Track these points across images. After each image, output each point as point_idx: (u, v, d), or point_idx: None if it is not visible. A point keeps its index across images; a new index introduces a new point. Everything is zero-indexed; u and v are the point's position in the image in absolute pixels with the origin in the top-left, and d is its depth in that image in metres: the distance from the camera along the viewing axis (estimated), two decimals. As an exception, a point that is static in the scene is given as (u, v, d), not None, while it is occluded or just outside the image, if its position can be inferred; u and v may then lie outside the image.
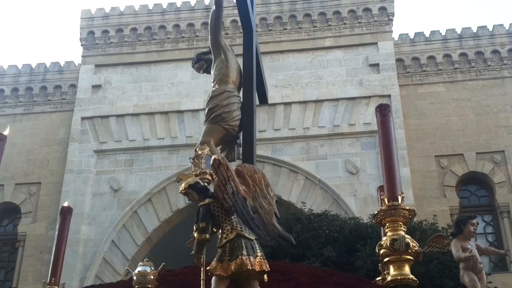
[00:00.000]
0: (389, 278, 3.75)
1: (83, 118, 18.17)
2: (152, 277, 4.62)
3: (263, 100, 7.14)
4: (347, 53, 18.10)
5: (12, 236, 17.85)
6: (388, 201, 3.85)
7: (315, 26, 18.60)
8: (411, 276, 3.69)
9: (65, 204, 5.59)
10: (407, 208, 3.82)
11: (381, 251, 3.76)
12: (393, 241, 3.68)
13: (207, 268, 3.82)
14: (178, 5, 19.64)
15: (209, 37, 6.30)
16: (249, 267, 3.62)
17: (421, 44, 18.55)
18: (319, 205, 15.39)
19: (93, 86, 18.75)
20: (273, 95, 17.61)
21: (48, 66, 20.21)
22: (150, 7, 19.71)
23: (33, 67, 20.27)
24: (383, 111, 4.26)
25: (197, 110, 17.67)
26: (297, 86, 17.78)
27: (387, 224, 3.82)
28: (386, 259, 3.75)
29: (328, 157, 16.65)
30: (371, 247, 10.08)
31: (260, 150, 16.96)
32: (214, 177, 4.10)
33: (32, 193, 17.85)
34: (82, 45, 19.53)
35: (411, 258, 3.72)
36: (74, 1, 50.83)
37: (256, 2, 18.48)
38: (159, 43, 19.13)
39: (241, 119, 5.85)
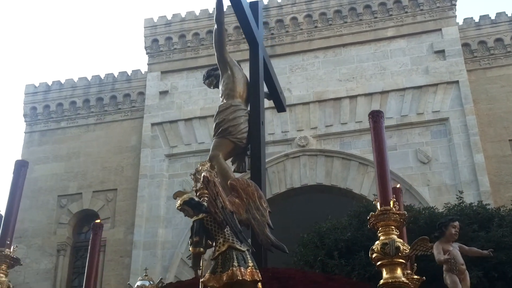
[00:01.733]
0: (381, 281, 3.80)
1: (153, 124, 18.61)
2: None
3: (280, 108, 7.15)
4: (411, 42, 17.84)
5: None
6: (381, 206, 3.94)
7: (376, 17, 18.42)
8: (403, 279, 3.75)
9: (97, 221, 5.87)
10: (398, 212, 3.87)
11: (373, 255, 3.84)
12: (383, 245, 3.76)
13: (201, 280, 3.95)
14: (238, 7, 19.81)
15: (215, 54, 6.34)
16: (240, 277, 3.71)
17: (487, 27, 18.05)
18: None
19: (160, 93, 19.19)
20: (338, 89, 17.58)
21: (116, 76, 20.81)
22: (210, 11, 19.96)
23: (102, 78, 20.92)
24: (375, 117, 4.39)
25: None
26: (361, 79, 17.66)
27: (380, 229, 3.89)
28: (378, 263, 3.82)
29: (397, 148, 16.47)
30: (447, 237, 9.97)
31: (328, 145, 16.94)
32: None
33: (109, 199, 18.45)
34: (147, 53, 20.01)
35: (403, 261, 3.78)
36: (137, 11, 52.06)
37: (315, -2, 18.81)
38: (221, 46, 19.36)
39: (248, 131, 5.89)
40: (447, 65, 17.15)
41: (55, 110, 20.89)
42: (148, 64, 19.91)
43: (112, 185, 18.60)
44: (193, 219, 4.20)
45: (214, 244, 4.01)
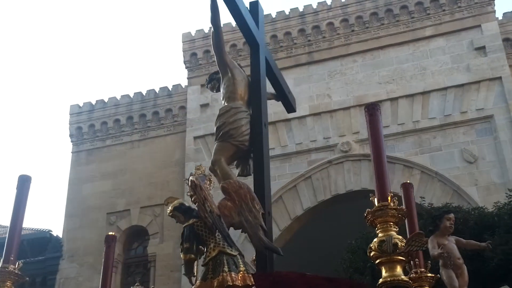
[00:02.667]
0: (380, 280, 3.68)
1: (195, 138, 18.78)
2: None
3: (290, 109, 7.03)
4: (450, 40, 17.58)
5: (143, 258, 18.73)
6: (378, 202, 3.81)
7: (413, 17, 18.23)
8: (403, 277, 3.63)
9: (110, 233, 5.82)
10: (396, 207, 3.74)
11: (371, 253, 3.72)
12: (381, 242, 3.64)
13: (192, 287, 3.86)
14: (273, 16, 19.88)
15: (215, 57, 6.28)
16: (230, 283, 3.61)
17: (528, 21, 17.69)
18: (439, 198, 15.01)
19: (201, 106, 19.36)
20: (378, 92, 17.44)
21: (157, 92, 21.10)
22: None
23: (144, 94, 21.23)
24: (371, 111, 4.25)
25: (304, 117, 17.80)
26: (401, 80, 17.49)
27: (378, 225, 3.77)
28: (377, 261, 3.70)
29: (442, 148, 16.22)
30: (499, 237, 9.76)
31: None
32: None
33: (156, 214, 18.66)
34: (186, 67, 20.23)
35: (403, 259, 3.65)
36: (175, 26, 52.74)
37: (350, 2, 18.73)
38: (259, 56, 19.43)
39: (250, 133, 5.77)
40: (488, 62, 16.84)
41: (100, 128, 21.28)
42: (188, 78, 20.13)
43: (159, 200, 18.81)
44: (183, 225, 4.12)
45: (205, 249, 3.92)
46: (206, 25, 20.41)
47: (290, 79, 18.56)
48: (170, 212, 4.22)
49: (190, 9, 56.98)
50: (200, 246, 4.03)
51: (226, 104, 5.99)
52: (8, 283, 4.37)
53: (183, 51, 20.36)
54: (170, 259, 17.55)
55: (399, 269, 3.65)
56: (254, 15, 6.30)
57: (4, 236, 4.73)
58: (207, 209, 3.95)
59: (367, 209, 3.90)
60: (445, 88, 16.90)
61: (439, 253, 4.08)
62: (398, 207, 3.77)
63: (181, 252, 4.07)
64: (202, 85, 19.68)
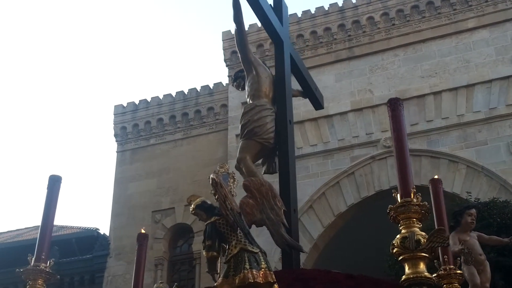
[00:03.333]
0: (403, 277, 3.62)
1: (237, 135, 18.84)
2: None
3: (317, 106, 6.90)
4: (493, 32, 17.25)
5: (188, 255, 18.94)
6: (401, 198, 3.75)
7: (455, 9, 17.94)
8: (426, 273, 3.54)
9: (142, 231, 5.90)
10: (419, 203, 3.68)
11: (394, 250, 3.67)
12: (403, 239, 3.59)
13: (215, 284, 3.85)
14: (312, 12, 19.83)
15: (239, 55, 6.18)
16: (251, 280, 3.60)
17: None
18: (486, 193, 14.78)
19: (243, 103, 19.37)
20: (420, 86, 17.24)
21: (199, 90, 21.31)
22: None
23: (186, 93, 21.46)
24: (393, 106, 4.20)
25: (345, 112, 17.74)
26: (444, 74, 17.24)
27: (401, 221, 3.72)
28: (400, 258, 3.65)
29: (488, 142, 15.94)
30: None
31: (415, 144, 16.64)
32: (232, 194, 4.30)
33: (201, 212, 18.84)
34: (227, 65, 20.35)
35: (426, 255, 3.58)
36: (215, 25, 53.03)
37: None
38: (299, 52, 19.41)
39: (275, 131, 5.73)
40: (534, 52, 16.48)
41: (144, 128, 21.60)
42: (228, 76, 20.24)
43: (203, 198, 18.96)
44: (205, 223, 4.15)
45: (227, 246, 3.94)
46: (246, 23, 20.49)
47: (330, 74, 18.55)
48: (193, 210, 4.28)
49: (229, 8, 57.20)
50: (222, 244, 4.06)
51: (250, 102, 5.94)
52: (39, 281, 4.44)
53: (224, 49, 20.48)
54: (215, 256, 17.69)
55: (422, 266, 3.60)
56: (277, 12, 6.26)
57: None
58: (228, 206, 3.96)
59: (390, 206, 3.86)
60: (490, 81, 16.59)
61: (460, 249, 4.04)
62: (421, 203, 3.72)
63: (203, 249, 4.10)
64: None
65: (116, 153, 21.89)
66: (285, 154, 5.47)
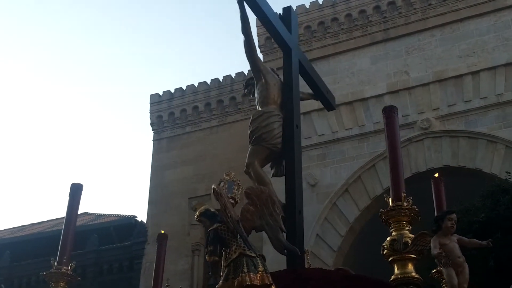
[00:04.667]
0: (392, 277, 3.84)
1: (272, 121, 18.77)
2: None
3: (329, 107, 7.08)
4: (534, 8, 16.76)
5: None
6: (392, 202, 3.98)
7: (493, -14, 17.48)
8: (414, 274, 3.77)
9: (161, 232, 6.22)
10: (408, 207, 3.86)
11: (384, 252, 3.87)
12: (392, 241, 3.82)
13: (216, 286, 4.06)
14: (346, -6, 19.58)
15: (249, 64, 6.34)
16: (249, 282, 3.83)
17: None
18: (525, 173, 14.41)
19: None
20: (458, 66, 16.88)
21: (234, 77, 21.31)
22: (320, 2, 19.87)
23: (221, 80, 21.49)
24: (388, 113, 4.40)
25: (381, 95, 17.52)
26: (482, 53, 16.82)
27: (392, 224, 3.94)
28: (389, 259, 3.86)
29: (529, 124, 15.52)
30: None
31: (453, 125, 16.33)
32: (233, 201, 4.61)
33: (236, 199, 18.88)
34: (261, 51, 20.26)
35: (414, 256, 3.79)
36: (248, 10, 52.88)
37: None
38: (333, 36, 19.23)
39: (282, 135, 5.91)
40: None
41: (180, 116, 21.72)
42: (263, 62, 20.14)
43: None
44: (208, 229, 4.37)
45: (228, 251, 4.15)
46: (279, 8, 20.35)
47: (366, 57, 18.31)
48: (197, 217, 4.50)
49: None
50: (224, 248, 4.28)
51: (259, 108, 6.15)
52: (61, 283, 4.85)
53: (258, 36, 20.37)
54: (255, 242, 17.71)
55: (410, 267, 3.83)
56: (286, 21, 6.45)
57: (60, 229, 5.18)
58: (228, 214, 4.18)
59: (380, 210, 4.03)
60: (530, 59, 16.14)
61: (438, 253, 4.23)
62: (411, 207, 3.91)
63: (206, 254, 4.33)
64: (278, 68, 19.59)
65: (152, 142, 22.09)
66: (291, 158, 5.71)
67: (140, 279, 19.33)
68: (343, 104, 17.90)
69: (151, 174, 21.37)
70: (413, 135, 16.73)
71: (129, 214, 23.19)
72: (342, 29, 19.09)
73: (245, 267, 3.93)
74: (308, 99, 7.18)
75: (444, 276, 4.75)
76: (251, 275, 3.89)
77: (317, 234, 16.63)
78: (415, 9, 18.32)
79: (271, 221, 4.55)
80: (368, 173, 16.89)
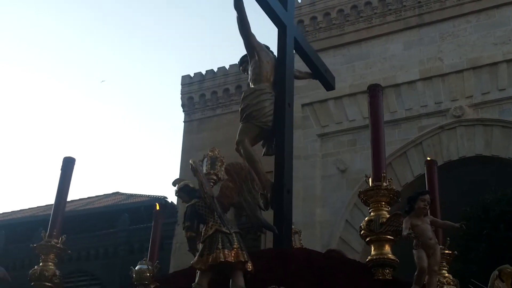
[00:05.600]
0: (368, 257, 3.82)
1: (303, 105, 18.73)
2: (148, 274, 5.02)
3: (328, 87, 6.96)
4: None
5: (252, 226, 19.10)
6: (372, 182, 3.98)
7: (532, -28, 17.11)
8: (390, 255, 3.74)
9: (157, 208, 6.12)
10: (387, 188, 3.85)
11: (361, 232, 3.88)
12: (369, 222, 3.81)
13: (191, 262, 4.04)
14: (381, -21, 19.35)
15: (243, 41, 6.27)
16: (222, 259, 3.85)
17: None
18: (561, 163, 14.23)
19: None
20: (493, 54, 16.62)
21: (266, 58, 21.26)
22: (354, -15, 19.68)
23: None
24: (372, 92, 4.42)
25: (414, 81, 17.36)
26: (519, 40, 16.53)
27: (371, 204, 3.92)
28: (366, 240, 3.85)
29: None
30: None
31: (486, 113, 16.14)
32: (216, 177, 4.63)
33: (265, 181, 18.94)
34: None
35: (391, 237, 3.76)
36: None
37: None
38: (366, 20, 19.06)
39: (273, 113, 5.84)
40: None
41: (210, 98, 21.82)
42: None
43: (267, 168, 18.91)
44: (186, 205, 4.36)
45: (204, 227, 4.14)
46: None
47: (399, 43, 18.13)
48: (176, 193, 4.48)
49: (296, -24, 56.69)
50: (201, 224, 4.29)
51: (252, 86, 6.08)
52: (51, 256, 4.85)
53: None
54: (279, 225, 17.80)
55: (387, 248, 3.81)
56: None
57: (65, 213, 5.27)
58: (204, 190, 4.19)
59: (359, 190, 4.10)
60: None
61: (407, 234, 4.24)
62: (389, 188, 3.91)
63: (183, 229, 4.33)
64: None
65: (183, 123, 22.24)
66: (281, 136, 5.69)
67: (171, 259, 19.58)
68: (375, 89, 17.81)
69: (181, 155, 21.57)
70: (445, 123, 16.58)
71: (159, 195, 23.47)
72: (376, 13, 18.91)
73: (220, 243, 3.94)
74: (305, 78, 7.14)
75: (415, 258, 4.87)
76: (225, 252, 3.90)
77: (346, 220, 16.64)
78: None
79: (249, 198, 4.54)
80: (399, 160, 16.81)
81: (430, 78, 17.23)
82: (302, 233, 6.72)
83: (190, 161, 4.41)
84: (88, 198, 27.15)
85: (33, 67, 54.41)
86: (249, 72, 6.21)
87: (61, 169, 5.29)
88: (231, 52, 54.68)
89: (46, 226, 5.11)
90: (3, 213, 27.87)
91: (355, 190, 16.82)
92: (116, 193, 26.89)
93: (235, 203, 4.52)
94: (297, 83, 20.14)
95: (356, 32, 19.02)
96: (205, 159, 5.66)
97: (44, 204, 26.88)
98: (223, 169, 4.86)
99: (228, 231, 4.05)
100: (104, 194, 27.13)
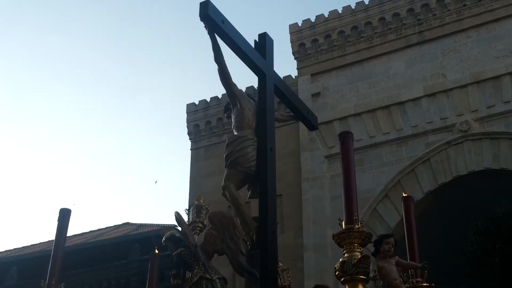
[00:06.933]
0: None
1: (308, 128, 18.75)
2: None
3: (312, 128, 7.14)
4: None
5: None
6: (345, 225, 4.19)
7: (530, -16, 17.20)
8: None
9: (156, 251, 6.38)
10: (359, 230, 4.06)
11: (336, 273, 4.09)
12: (342, 263, 4.04)
13: None
14: (381, -2, 19.51)
15: (226, 91, 6.48)
16: None
17: None
18: None
19: (313, 95, 19.37)
20: (496, 67, 16.67)
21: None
22: (353, 7, 19.86)
23: (256, 88, 21.56)
24: (343, 139, 4.66)
25: (418, 98, 17.41)
26: (521, 52, 16.56)
27: (345, 246, 4.13)
28: (341, 280, 4.06)
29: None
30: None
31: (492, 127, 16.13)
32: (201, 225, 4.90)
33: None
34: (295, 58, 20.32)
35: (363, 277, 3.98)
36: (283, 17, 53.08)
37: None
38: (367, 40, 19.18)
39: (256, 158, 5.99)
40: None
41: (216, 124, 21.88)
42: (297, 69, 20.21)
43: (277, 191, 18.98)
44: (173, 254, 4.65)
45: (190, 274, 4.42)
46: (313, 15, 20.39)
47: (401, 61, 18.21)
48: (163, 242, 4.81)
49: (294, 0, 57.12)
50: (188, 271, 4.57)
51: (235, 133, 6.30)
52: None
53: (291, 42, 20.46)
54: (291, 249, 17.72)
55: (360, 287, 4.02)
56: (261, 47, 6.56)
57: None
58: (187, 239, 4.51)
59: (333, 233, 4.25)
60: None
61: (373, 276, 4.55)
62: (361, 230, 4.13)
63: (170, 277, 4.59)
64: (312, 75, 19.75)
65: (190, 151, 22.27)
66: (264, 180, 5.73)
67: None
68: (379, 108, 17.86)
69: (190, 183, 21.56)
70: (452, 138, 16.57)
71: (170, 223, 23.43)
72: (376, 33, 19.04)
73: None
74: (288, 120, 7.36)
75: None
76: None
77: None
78: (449, 10, 18.17)
79: (231, 245, 4.78)
80: (408, 177, 16.79)
81: (434, 94, 17.28)
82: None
83: (174, 213, 4.67)
84: (99, 230, 27.13)
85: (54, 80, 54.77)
86: (232, 120, 6.43)
87: (58, 220, 5.55)
88: (236, 77, 55.00)
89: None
90: (15, 248, 27.88)
91: (365, 209, 16.79)
92: (126, 224, 26.87)
93: (219, 249, 4.77)
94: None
95: (358, 52, 19.13)
96: (191, 208, 5.90)
97: (105, 227, 27.11)
98: (206, 216, 5.12)
99: (213, 278, 4.34)
100: (114, 225, 27.12)
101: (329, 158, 18.17)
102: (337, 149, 17.80)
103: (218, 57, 6.28)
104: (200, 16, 5.63)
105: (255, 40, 6.59)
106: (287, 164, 19.27)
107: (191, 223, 5.27)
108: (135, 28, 55.00)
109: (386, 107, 17.79)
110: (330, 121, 18.55)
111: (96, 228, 27.31)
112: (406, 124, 17.34)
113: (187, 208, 5.32)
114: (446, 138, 16.64)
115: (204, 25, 5.68)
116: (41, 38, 53.45)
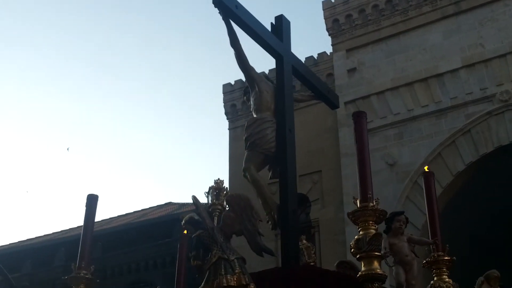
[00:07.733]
0: (359, 273, 4.17)
1: (346, 103, 18.80)
2: None
3: (333, 107, 7.18)
4: None
5: (306, 224, 19.20)
6: (360, 203, 4.27)
7: None
8: (379, 270, 4.07)
9: (185, 232, 6.40)
10: (375, 208, 4.16)
11: (352, 250, 4.21)
12: (357, 240, 4.14)
13: None
14: (415, -31, 19.26)
15: (244, 74, 6.56)
16: (225, 284, 4.23)
17: None
18: None
19: (348, 71, 19.33)
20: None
21: (304, 61, 21.36)
22: (387, -21, 19.64)
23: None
24: (357, 118, 4.76)
25: (457, 70, 17.24)
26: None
27: (360, 224, 4.23)
28: (357, 256, 4.17)
29: None
30: None
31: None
32: (221, 207, 5.13)
33: (315, 181, 19.02)
34: (330, 34, 20.26)
35: (379, 254, 4.10)
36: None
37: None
38: (402, 13, 19.00)
39: (276, 140, 6.12)
40: None
41: (252, 104, 22.03)
42: (332, 45, 20.17)
43: (316, 167, 19.15)
44: (192, 236, 4.75)
45: (209, 256, 4.51)
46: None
47: (438, 32, 18.01)
48: (183, 226, 4.94)
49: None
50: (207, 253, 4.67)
51: (254, 115, 6.38)
52: (81, 286, 5.38)
53: (325, 19, 20.39)
54: (333, 223, 17.87)
55: (376, 264, 4.13)
56: (278, 29, 6.61)
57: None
58: (205, 222, 4.61)
59: (347, 212, 4.36)
60: None
61: (384, 253, 4.63)
62: (376, 208, 4.24)
63: (190, 259, 4.71)
64: (347, 50, 19.69)
65: (228, 131, 22.50)
66: (284, 161, 5.95)
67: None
68: (417, 81, 17.76)
69: (229, 163, 21.83)
70: (492, 108, 16.41)
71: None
72: (411, 5, 18.84)
73: (223, 269, 4.31)
74: (309, 100, 7.41)
75: (393, 274, 5.24)
76: (228, 277, 4.27)
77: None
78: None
79: (249, 226, 4.88)
80: (449, 149, 16.70)
81: (473, 65, 17.09)
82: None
83: (191, 196, 4.82)
84: (142, 210, 27.70)
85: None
86: (251, 103, 6.54)
87: (86, 205, 5.74)
88: (259, 58, 55.01)
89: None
90: (62, 230, 28.64)
91: (406, 182, 16.79)
92: (169, 203, 27.36)
93: (237, 231, 4.88)
94: (338, 81, 20.29)
95: (393, 25, 18.98)
96: (210, 191, 6.11)
97: (148, 207, 27.79)
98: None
99: (231, 258, 4.41)
100: (157, 205, 27.65)
101: (367, 133, 18.09)
102: (375, 123, 17.98)
103: (234, 42, 6.39)
104: (213, 2, 5.76)
105: (271, 23, 6.73)
106: (325, 140, 19.33)
107: (210, 205, 5.44)
108: (172, 13, 55.31)
109: (424, 79, 17.67)
110: (367, 96, 18.51)
111: (140, 209, 27.88)
112: (445, 96, 17.21)
113: (206, 191, 5.52)
114: (486, 109, 16.47)
115: (218, 11, 5.81)
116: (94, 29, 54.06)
